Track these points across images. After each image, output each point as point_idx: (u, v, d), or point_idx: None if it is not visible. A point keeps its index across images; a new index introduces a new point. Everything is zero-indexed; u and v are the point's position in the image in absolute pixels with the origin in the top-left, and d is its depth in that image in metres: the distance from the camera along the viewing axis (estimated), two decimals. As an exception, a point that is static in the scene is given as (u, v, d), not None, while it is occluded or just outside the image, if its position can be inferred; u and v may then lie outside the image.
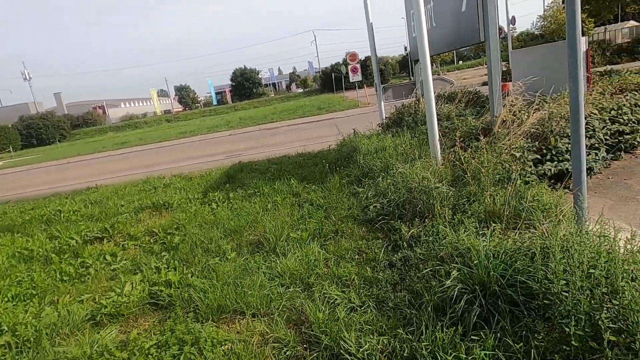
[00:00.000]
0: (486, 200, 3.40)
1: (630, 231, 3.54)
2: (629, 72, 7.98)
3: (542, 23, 37.05)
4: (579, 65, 2.97)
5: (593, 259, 2.12)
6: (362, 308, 2.76)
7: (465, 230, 3.02)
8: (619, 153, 5.46)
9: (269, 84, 76.01)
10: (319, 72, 61.28)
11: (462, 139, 5.34)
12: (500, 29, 21.21)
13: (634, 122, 5.54)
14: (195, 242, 4.47)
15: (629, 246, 2.46)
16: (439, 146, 5.14)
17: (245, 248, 4.15)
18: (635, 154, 5.63)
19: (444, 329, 2.22)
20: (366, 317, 2.62)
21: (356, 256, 3.57)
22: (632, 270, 2.12)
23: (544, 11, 36.10)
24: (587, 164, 4.79)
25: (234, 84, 64.30)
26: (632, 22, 34.87)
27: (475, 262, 2.51)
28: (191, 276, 3.64)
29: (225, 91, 68.39)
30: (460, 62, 59.14)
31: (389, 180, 4.81)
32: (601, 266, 2.02)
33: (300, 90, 67.67)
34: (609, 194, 4.42)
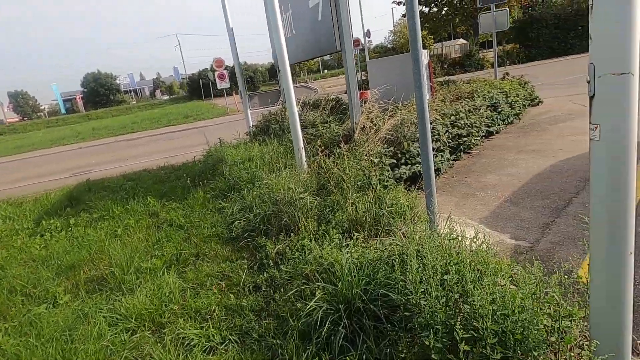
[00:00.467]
0: (348, 209, 3.37)
1: (473, 226, 3.91)
2: (462, 82, 9.17)
3: (393, 37, 41.35)
4: (422, 75, 3.13)
5: (446, 264, 2.16)
6: (223, 345, 2.42)
7: (330, 243, 2.92)
8: (459, 154, 6.12)
9: (130, 91, 69.71)
10: (185, 78, 58.34)
11: (325, 146, 5.38)
12: (358, 40, 22.88)
13: (469, 126, 6.28)
14: (15, 288, 3.57)
15: (473, 245, 2.63)
16: (304, 154, 5.08)
17: (84, 288, 3.43)
18: (472, 154, 6.39)
19: (309, 358, 2.03)
20: (226, 357, 2.30)
21: (219, 282, 3.21)
22: (477, 269, 2.22)
23: (393, 27, 40.26)
24: (435, 166, 5.24)
25: (86, 90, 57.20)
26: (462, 40, 41.18)
27: (339, 277, 2.39)
28: (3, 336, 2.83)
29: (76, 98, 60.34)
30: (326, 70, 62.47)
31: (255, 193, 4.55)
32: (453, 271, 2.06)
33: (166, 97, 63.52)
34: (454, 192, 4.87)
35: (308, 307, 2.28)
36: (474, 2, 24.44)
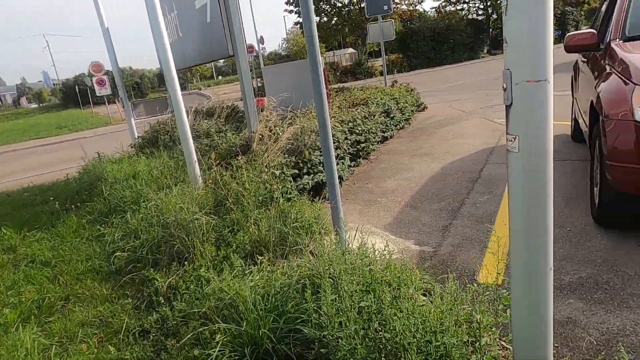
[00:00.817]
0: (250, 228, 3.05)
1: (379, 235, 3.87)
2: (356, 89, 9.43)
3: (286, 45, 41.86)
4: (322, 82, 2.98)
5: (361, 288, 1.98)
6: (100, 419, 1.93)
7: (231, 271, 2.57)
8: (359, 160, 6.18)
9: (-15, 98, 59.72)
10: (58, 84, 51.89)
11: (222, 157, 4.97)
12: (252, 46, 22.55)
13: (366, 132, 6.39)
14: None
15: (384, 257, 2.51)
16: (198, 167, 4.61)
17: None
18: (370, 160, 6.51)
19: (212, 423, 1.68)
20: None
21: (95, 331, 2.63)
22: (393, 288, 2.08)
23: (286, 34, 40.85)
24: (338, 173, 5.18)
25: None
26: (351, 50, 43.34)
27: (243, 314, 2.07)
28: None
29: None
30: (220, 77, 60.79)
31: (141, 216, 3.96)
32: (370, 296, 1.88)
33: (35, 105, 55.74)
34: (357, 200, 4.84)
35: (208, 356, 1.91)
36: (361, 13, 25.84)
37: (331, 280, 2.11)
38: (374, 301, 1.84)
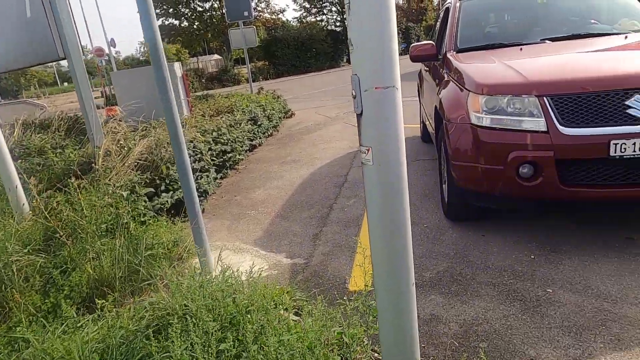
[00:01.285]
0: (87, 267, 2.52)
1: (248, 251, 3.63)
2: (220, 96, 9.03)
3: (145, 49, 38.74)
4: (168, 82, 2.66)
5: (223, 324, 1.73)
6: None
7: (60, 324, 2.06)
8: (226, 171, 5.86)
9: None
10: None
11: (58, 179, 4.17)
12: (101, 49, 20.23)
13: (232, 141, 6.10)
14: None
15: (252, 280, 2.30)
16: (22, 193, 3.76)
17: None
18: (239, 170, 6.23)
19: None
20: None
21: None
22: (261, 317, 1.87)
23: (144, 37, 37.89)
24: (202, 188, 4.78)
25: None
26: (217, 56, 42.23)
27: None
28: None
29: None
30: (66, 83, 53.37)
31: None
32: (232, 332, 1.63)
33: None
34: (225, 214, 4.53)
35: None
36: (223, 19, 25.28)
37: (187, 319, 1.81)
38: (236, 341, 1.60)
